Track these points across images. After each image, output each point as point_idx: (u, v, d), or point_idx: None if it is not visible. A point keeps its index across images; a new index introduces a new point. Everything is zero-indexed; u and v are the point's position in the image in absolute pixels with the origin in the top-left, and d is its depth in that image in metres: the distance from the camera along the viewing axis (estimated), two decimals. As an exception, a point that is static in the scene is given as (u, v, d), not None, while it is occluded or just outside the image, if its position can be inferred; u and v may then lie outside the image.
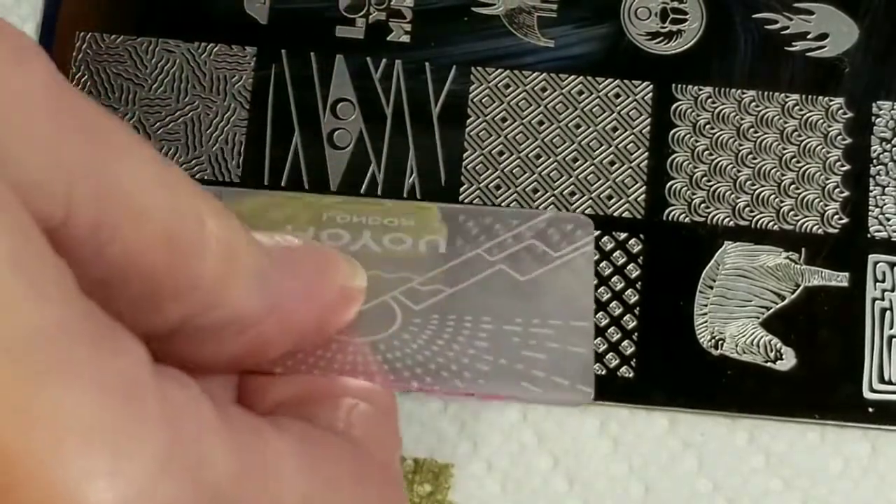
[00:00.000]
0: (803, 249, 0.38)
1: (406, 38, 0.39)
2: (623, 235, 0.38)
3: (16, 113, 0.20)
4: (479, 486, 0.37)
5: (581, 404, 0.33)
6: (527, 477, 0.37)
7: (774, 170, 0.38)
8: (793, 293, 0.37)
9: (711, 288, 0.37)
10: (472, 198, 0.38)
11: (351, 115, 0.39)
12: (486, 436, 0.37)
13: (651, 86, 0.39)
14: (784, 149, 0.38)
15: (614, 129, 0.38)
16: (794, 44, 0.39)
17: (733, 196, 0.38)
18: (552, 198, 0.38)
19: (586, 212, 0.38)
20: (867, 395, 0.37)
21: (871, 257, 0.38)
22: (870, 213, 0.38)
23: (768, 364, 0.37)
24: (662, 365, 0.37)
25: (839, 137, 0.38)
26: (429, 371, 0.27)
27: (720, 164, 0.38)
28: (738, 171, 0.38)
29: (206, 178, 0.38)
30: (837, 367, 0.37)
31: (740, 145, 0.38)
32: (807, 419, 0.37)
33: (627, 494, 0.37)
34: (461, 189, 0.38)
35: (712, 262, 0.38)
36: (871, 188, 0.38)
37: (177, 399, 0.20)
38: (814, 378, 0.37)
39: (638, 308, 0.37)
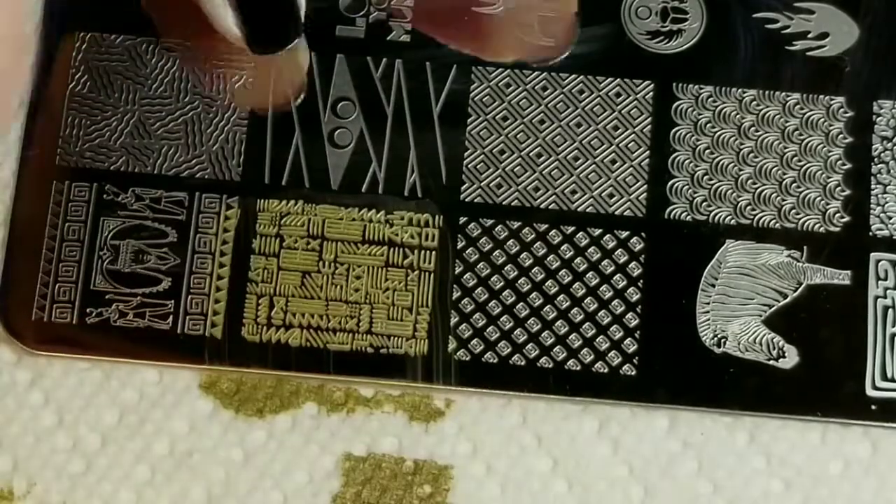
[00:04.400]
0: (805, 247, 0.38)
1: (406, 38, 0.39)
2: (624, 234, 0.38)
3: None
4: (478, 488, 0.37)
5: None
6: (526, 479, 0.37)
7: (776, 168, 0.38)
8: (795, 291, 0.37)
9: (713, 286, 0.37)
10: (474, 196, 0.38)
11: (351, 114, 0.39)
12: (486, 437, 0.37)
13: (652, 85, 0.39)
14: (785, 147, 0.38)
15: (615, 128, 0.38)
16: (794, 43, 0.39)
17: (735, 194, 0.38)
18: (553, 196, 0.38)
19: (587, 210, 0.38)
20: (870, 392, 0.37)
21: (874, 255, 0.38)
22: (871, 211, 0.38)
23: (771, 362, 0.37)
24: (664, 363, 0.37)
25: (840, 136, 0.38)
26: None
27: (721, 162, 0.38)
28: (740, 170, 0.38)
29: (206, 177, 0.38)
30: (840, 365, 0.37)
31: (741, 144, 0.38)
32: (809, 417, 0.37)
33: (627, 496, 0.37)
34: (462, 188, 0.38)
35: (714, 260, 0.38)
36: (873, 186, 0.38)
37: None
38: (816, 376, 0.37)
39: (640, 306, 0.37)
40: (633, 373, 0.37)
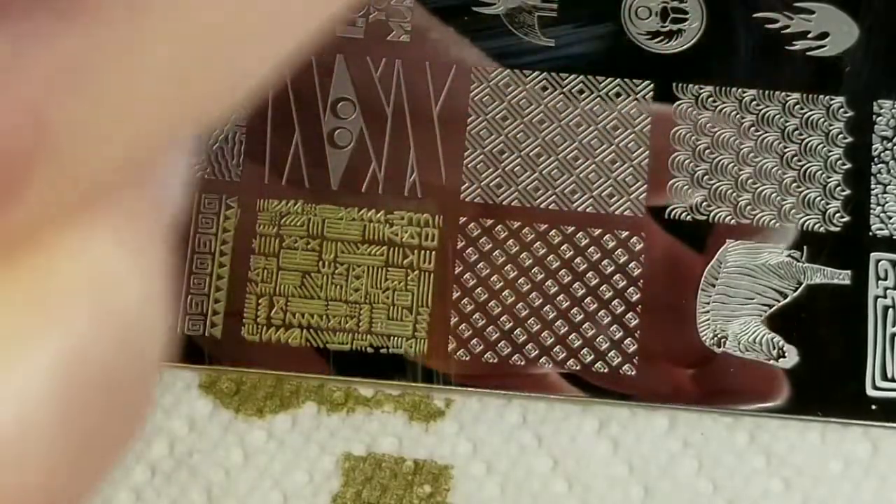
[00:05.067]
0: (805, 247, 0.38)
1: (406, 38, 0.39)
2: (625, 234, 0.38)
3: None
4: (478, 488, 0.37)
5: None
6: (526, 478, 0.37)
7: (776, 168, 0.38)
8: (795, 291, 0.37)
9: (713, 286, 0.37)
10: (474, 196, 0.38)
11: (351, 114, 0.38)
12: (486, 437, 0.37)
13: (651, 85, 0.39)
14: (785, 147, 0.38)
15: (615, 128, 0.38)
16: (794, 43, 0.39)
17: (735, 194, 0.38)
18: (553, 196, 0.38)
19: (587, 210, 0.38)
20: (870, 392, 0.37)
21: (874, 255, 0.38)
22: (871, 211, 0.38)
23: (771, 362, 0.37)
24: (664, 363, 0.37)
25: (840, 136, 0.38)
26: None
27: (721, 162, 0.38)
28: (740, 170, 0.38)
29: (206, 177, 0.38)
30: (840, 365, 0.37)
31: (741, 144, 0.38)
32: (809, 417, 0.37)
33: (627, 496, 0.37)
34: (462, 188, 0.38)
35: (714, 260, 0.38)
36: (873, 186, 0.38)
37: None
38: (816, 376, 0.37)
39: (640, 306, 0.37)
40: (633, 373, 0.37)
